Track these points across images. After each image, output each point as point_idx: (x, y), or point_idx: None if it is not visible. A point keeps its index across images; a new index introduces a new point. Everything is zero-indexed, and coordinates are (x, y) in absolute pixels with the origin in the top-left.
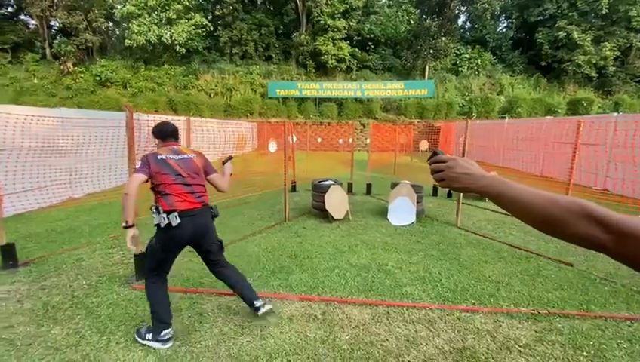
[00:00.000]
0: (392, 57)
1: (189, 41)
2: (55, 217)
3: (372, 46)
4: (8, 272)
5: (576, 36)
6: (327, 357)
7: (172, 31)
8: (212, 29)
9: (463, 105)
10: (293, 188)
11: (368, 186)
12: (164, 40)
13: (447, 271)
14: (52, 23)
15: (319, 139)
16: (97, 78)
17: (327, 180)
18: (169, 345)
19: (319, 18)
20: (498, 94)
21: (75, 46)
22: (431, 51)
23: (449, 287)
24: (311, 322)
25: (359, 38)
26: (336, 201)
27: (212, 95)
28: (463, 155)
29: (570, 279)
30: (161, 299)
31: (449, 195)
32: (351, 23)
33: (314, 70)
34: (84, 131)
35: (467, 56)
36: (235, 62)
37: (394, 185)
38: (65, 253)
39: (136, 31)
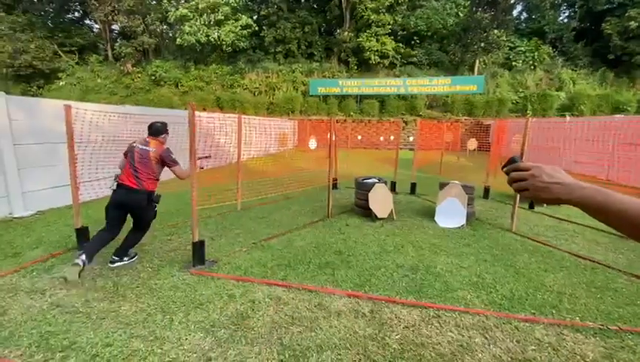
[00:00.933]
0: (438, 52)
1: (236, 41)
2: None
3: (417, 41)
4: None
5: None
6: (378, 355)
7: (220, 32)
8: (257, 28)
9: (517, 102)
10: (335, 186)
11: (413, 186)
12: (212, 40)
13: (502, 277)
14: (114, 27)
15: (359, 137)
16: (152, 78)
17: (371, 178)
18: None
19: (363, 14)
20: (557, 90)
21: (134, 48)
22: (482, 45)
23: (504, 295)
24: (359, 319)
25: (404, 32)
26: (381, 200)
27: (256, 93)
28: (522, 157)
29: None
30: (96, 238)
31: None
32: (396, 18)
33: (356, 67)
34: (144, 127)
35: (522, 49)
36: (279, 61)
37: (442, 186)
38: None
39: (187, 32)
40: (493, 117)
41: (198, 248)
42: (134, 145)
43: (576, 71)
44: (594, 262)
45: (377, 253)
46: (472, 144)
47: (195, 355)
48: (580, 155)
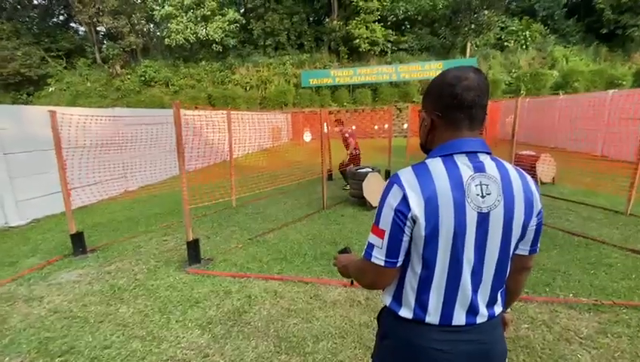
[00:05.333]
0: (429, 36)
1: (225, 38)
2: (114, 208)
3: (408, 26)
4: (79, 258)
5: None
6: (372, 342)
7: (207, 28)
8: (245, 22)
9: (510, 83)
10: (330, 177)
11: None
12: (201, 37)
13: None
14: (99, 28)
15: (353, 127)
16: (142, 78)
17: (364, 168)
18: None
19: (351, 0)
20: (550, 68)
21: (121, 49)
22: (472, 26)
23: None
24: (355, 307)
25: (394, 18)
26: (375, 189)
27: (247, 88)
28: (513, 137)
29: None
30: None
31: None
32: (384, 3)
33: (347, 56)
34: (135, 128)
35: (514, 29)
36: (269, 54)
37: None
38: (125, 240)
39: (174, 30)
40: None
41: (193, 247)
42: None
43: (568, 48)
44: (588, 238)
45: None
46: None
47: (192, 352)
48: (571, 132)
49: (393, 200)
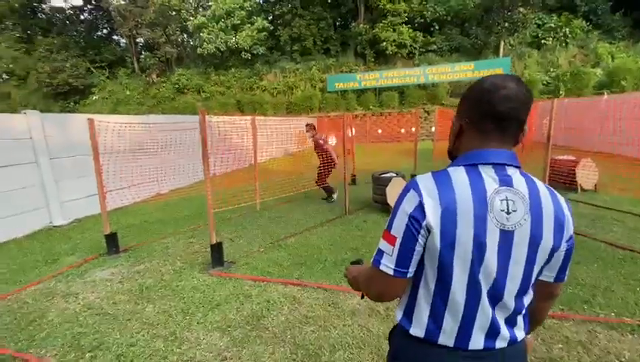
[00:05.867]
0: (459, 37)
1: (253, 46)
2: (146, 210)
3: (437, 27)
4: (112, 257)
5: None
6: None
7: (237, 37)
8: (272, 29)
9: (548, 83)
10: (353, 182)
11: None
12: (231, 45)
13: None
14: (138, 40)
15: (379, 131)
16: (176, 86)
17: (388, 172)
18: None
19: (378, 3)
20: (593, 67)
21: (157, 59)
22: (506, 25)
23: None
24: (374, 317)
25: (422, 20)
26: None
27: (275, 94)
28: (548, 140)
29: None
30: None
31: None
32: (412, 5)
33: (373, 59)
34: (167, 134)
35: (552, 25)
36: (295, 60)
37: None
38: (155, 241)
39: (206, 39)
40: None
41: (217, 250)
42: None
43: (614, 44)
44: (634, 251)
45: None
46: None
47: (211, 355)
48: (618, 136)
49: (408, 206)
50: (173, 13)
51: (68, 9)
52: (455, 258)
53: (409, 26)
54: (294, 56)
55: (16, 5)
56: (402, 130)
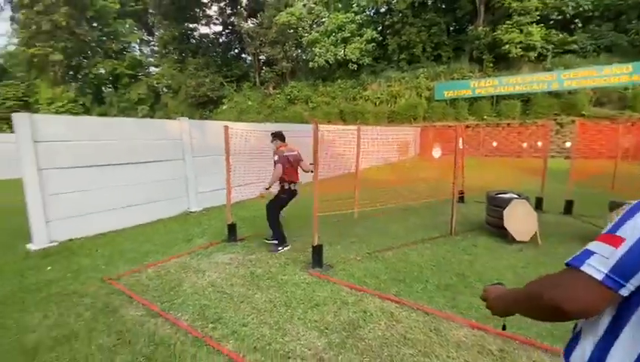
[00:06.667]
0: (612, 33)
1: (361, 57)
2: (257, 206)
3: (579, 24)
4: (231, 244)
5: None
6: None
7: (346, 50)
8: (381, 39)
9: None
10: (461, 199)
11: (569, 204)
12: (339, 58)
13: None
14: (260, 57)
15: (494, 143)
16: (288, 97)
17: (506, 193)
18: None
19: (502, 2)
20: None
21: (275, 73)
22: None
23: None
24: (484, 356)
25: (559, 17)
26: (520, 219)
27: (377, 103)
28: None
29: None
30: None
31: None
32: (547, 1)
33: (491, 65)
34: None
35: None
36: (402, 68)
37: (615, 206)
38: (263, 235)
39: (317, 53)
40: None
41: (317, 252)
42: (286, 154)
43: None
44: None
45: (513, 282)
46: None
47: (309, 352)
48: None
49: None
50: (291, 31)
51: (211, 34)
52: None
53: (541, 25)
54: (401, 65)
55: (177, 33)
56: (524, 145)
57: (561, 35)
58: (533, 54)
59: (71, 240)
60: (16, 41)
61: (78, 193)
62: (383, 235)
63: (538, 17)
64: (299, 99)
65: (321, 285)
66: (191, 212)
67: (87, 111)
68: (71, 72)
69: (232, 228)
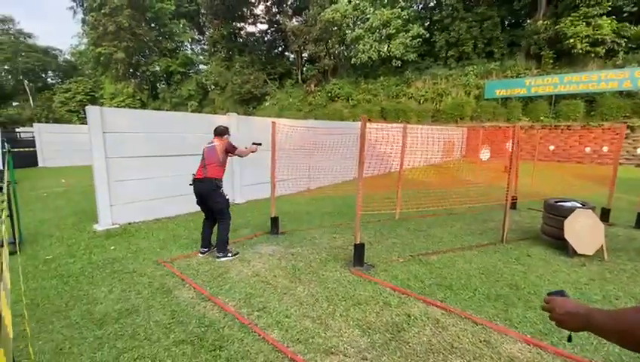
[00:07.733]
0: None
1: (405, 53)
2: (298, 202)
3: None
4: (274, 236)
5: None
6: None
7: (390, 45)
8: (428, 35)
9: None
10: (513, 206)
11: None
12: (382, 54)
13: None
14: (304, 55)
15: (551, 147)
16: (329, 95)
17: (569, 201)
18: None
19: None
20: None
21: (317, 70)
22: None
23: None
24: None
25: (634, 8)
26: (584, 231)
27: (421, 101)
28: None
29: None
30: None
31: None
32: None
33: (551, 61)
34: (321, 138)
35: None
36: (449, 66)
37: None
38: (304, 230)
39: (360, 50)
40: None
41: (359, 250)
42: (204, 148)
43: None
44: None
45: (576, 299)
46: None
47: (352, 350)
48: None
49: None
50: (335, 28)
51: (257, 33)
52: None
53: (612, 17)
54: (449, 62)
55: (225, 32)
56: (587, 149)
57: (635, 29)
58: (602, 49)
59: (130, 223)
60: (85, 41)
61: (138, 181)
62: (426, 239)
63: (609, 9)
64: (340, 96)
65: (362, 284)
66: (236, 204)
67: (143, 106)
68: (131, 70)
69: (275, 221)
